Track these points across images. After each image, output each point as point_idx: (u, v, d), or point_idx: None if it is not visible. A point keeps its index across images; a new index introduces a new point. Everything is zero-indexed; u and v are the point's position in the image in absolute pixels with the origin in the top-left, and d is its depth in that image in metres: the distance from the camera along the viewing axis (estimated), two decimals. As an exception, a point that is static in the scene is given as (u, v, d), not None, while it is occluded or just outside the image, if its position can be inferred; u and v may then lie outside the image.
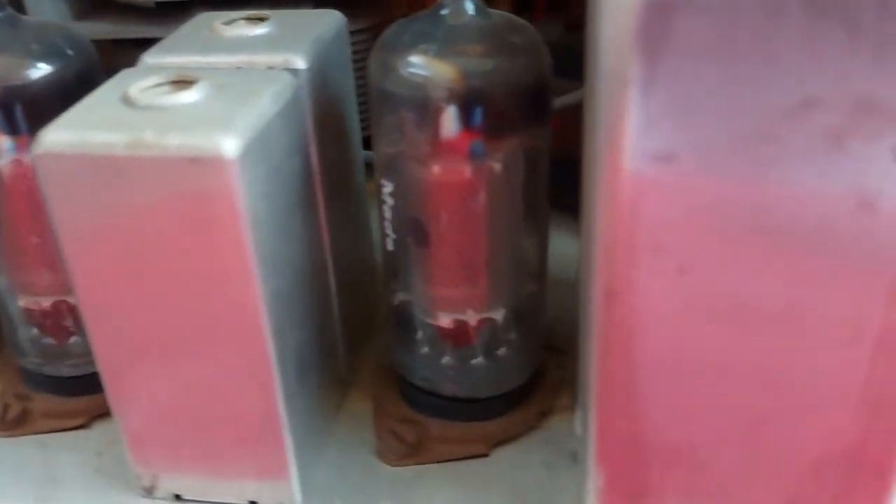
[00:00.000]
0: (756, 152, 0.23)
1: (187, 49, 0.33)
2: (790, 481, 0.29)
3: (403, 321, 0.34)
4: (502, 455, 0.35)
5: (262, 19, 0.35)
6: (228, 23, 0.34)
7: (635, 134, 0.23)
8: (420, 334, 0.34)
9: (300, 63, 0.31)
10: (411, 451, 0.34)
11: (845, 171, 0.23)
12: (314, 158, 0.33)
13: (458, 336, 0.33)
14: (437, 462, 0.34)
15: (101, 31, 0.49)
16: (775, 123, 0.22)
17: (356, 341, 0.39)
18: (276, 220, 0.29)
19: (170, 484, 0.33)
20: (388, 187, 0.31)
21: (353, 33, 0.37)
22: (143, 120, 0.27)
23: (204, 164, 0.26)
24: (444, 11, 0.30)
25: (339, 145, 0.36)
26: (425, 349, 0.34)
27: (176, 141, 0.26)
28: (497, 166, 0.30)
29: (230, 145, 0.26)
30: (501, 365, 0.34)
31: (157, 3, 0.47)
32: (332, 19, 0.36)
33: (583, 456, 0.30)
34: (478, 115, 0.29)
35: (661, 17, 0.22)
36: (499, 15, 0.30)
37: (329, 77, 0.34)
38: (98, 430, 0.37)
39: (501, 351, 0.34)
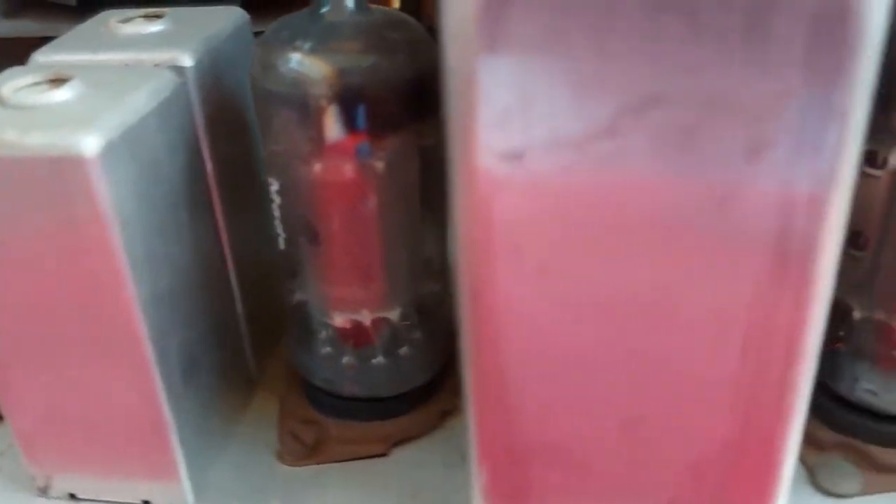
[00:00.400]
0: (602, 149, 0.22)
1: (79, 47, 0.33)
2: (671, 481, 0.28)
3: (302, 321, 0.34)
4: (402, 455, 0.35)
5: (159, 17, 0.34)
6: (125, 20, 0.34)
7: (483, 132, 0.23)
8: (318, 334, 0.34)
9: (187, 60, 0.31)
10: (310, 452, 0.34)
11: (700, 168, 0.22)
12: (206, 156, 0.32)
13: (356, 336, 0.33)
14: (337, 462, 0.34)
15: (28, 29, 0.48)
16: (619, 120, 0.22)
17: (266, 340, 0.39)
18: (152, 220, 0.29)
19: (64, 483, 0.33)
20: (274, 186, 0.31)
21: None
22: (9, 119, 0.27)
23: (64, 164, 0.26)
24: (324, 9, 0.29)
25: (239, 143, 0.35)
26: (325, 349, 0.34)
27: (37, 140, 0.26)
28: (381, 164, 0.30)
29: (91, 144, 0.26)
30: (402, 364, 0.34)
31: (79, 2, 0.46)
32: (231, 16, 0.35)
33: (469, 455, 0.30)
34: (358, 113, 0.29)
35: (499, 12, 0.21)
36: (380, 11, 0.30)
37: (224, 74, 0.34)
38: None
39: (403, 350, 0.34)
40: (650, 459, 0.28)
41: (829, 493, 0.32)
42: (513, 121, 0.22)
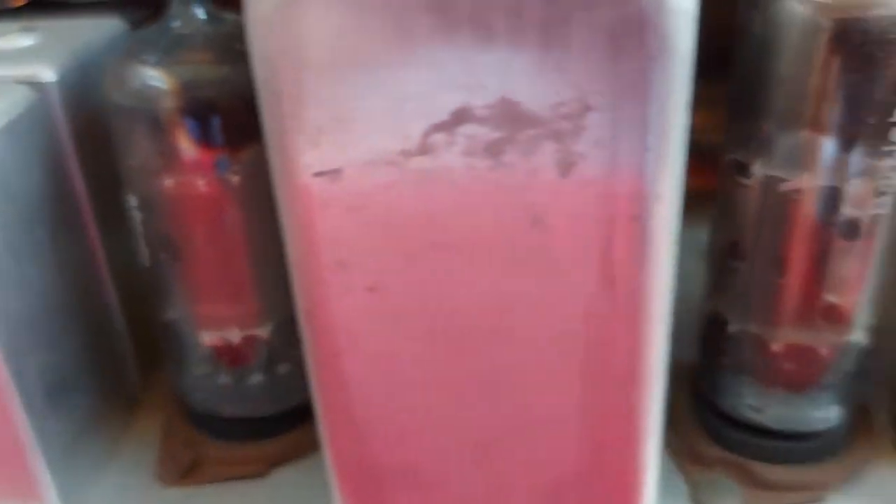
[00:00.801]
0: (418, 166, 0.22)
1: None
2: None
3: (174, 340, 0.33)
4: (282, 475, 0.34)
5: (33, 30, 0.34)
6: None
7: (298, 150, 0.22)
8: (192, 354, 0.33)
9: (49, 75, 0.31)
10: (187, 473, 0.34)
11: (514, 184, 0.22)
12: (74, 173, 0.32)
13: (228, 354, 0.32)
14: (214, 482, 0.34)
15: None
16: (431, 137, 0.21)
17: (152, 359, 0.38)
18: (1, 241, 0.28)
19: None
20: (133, 202, 0.30)
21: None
22: None
23: None
24: (173, 22, 0.29)
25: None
26: (200, 369, 0.33)
27: None
28: (238, 178, 0.29)
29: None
30: (281, 383, 0.33)
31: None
32: (107, 28, 0.35)
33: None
34: (211, 126, 0.28)
35: (294, 26, 0.21)
36: (233, 21, 0.29)
37: (98, 88, 0.33)
38: None
39: (281, 368, 0.33)
40: (506, 483, 0.27)
41: (706, 511, 0.31)
42: (327, 138, 0.22)
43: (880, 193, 0.27)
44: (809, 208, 0.27)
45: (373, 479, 0.28)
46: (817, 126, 0.26)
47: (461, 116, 0.21)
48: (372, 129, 0.21)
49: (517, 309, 0.24)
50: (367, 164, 0.22)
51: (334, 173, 0.22)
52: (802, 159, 0.26)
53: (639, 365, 0.24)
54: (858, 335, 0.29)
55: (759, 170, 0.27)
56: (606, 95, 0.20)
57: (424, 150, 0.22)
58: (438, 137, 0.21)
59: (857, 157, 0.26)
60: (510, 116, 0.21)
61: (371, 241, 0.23)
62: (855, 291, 0.29)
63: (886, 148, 0.26)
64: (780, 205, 0.27)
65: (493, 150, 0.21)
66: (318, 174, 0.22)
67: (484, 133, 0.21)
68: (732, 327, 0.30)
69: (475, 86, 0.21)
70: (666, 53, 0.20)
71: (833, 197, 0.27)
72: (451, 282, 0.23)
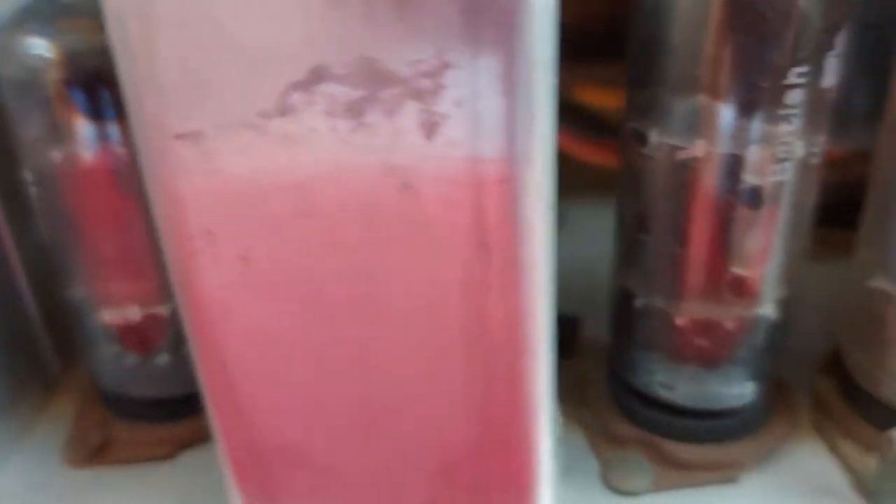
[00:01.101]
0: (279, 129, 0.21)
1: None
2: (422, 484, 0.27)
3: (79, 320, 0.32)
4: (190, 458, 0.33)
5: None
6: None
7: (155, 112, 0.21)
8: (97, 333, 0.32)
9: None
10: (96, 454, 0.33)
11: (378, 146, 0.21)
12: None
13: (130, 333, 0.32)
14: (122, 464, 0.33)
15: None
16: (290, 97, 0.21)
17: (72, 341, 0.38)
18: None
19: None
20: (28, 176, 0.30)
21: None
22: None
23: None
24: (61, -10, 0.28)
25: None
26: (106, 349, 0.32)
27: None
28: (126, 150, 0.28)
29: None
30: (187, 364, 0.33)
31: None
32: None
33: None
34: (98, 97, 0.27)
35: None
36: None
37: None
38: None
39: (187, 349, 0.33)
40: (396, 461, 0.26)
41: (616, 490, 0.30)
42: (184, 99, 0.21)
43: (780, 160, 0.26)
44: (709, 177, 0.26)
45: (261, 459, 0.27)
46: (711, 91, 0.25)
47: (319, 74, 0.20)
48: (229, 90, 0.21)
49: (391, 278, 0.23)
50: (227, 127, 0.21)
51: (194, 136, 0.21)
52: (698, 126, 0.26)
53: (520, 334, 0.24)
54: (767, 308, 0.29)
55: (655, 138, 0.27)
56: (464, 52, 0.20)
57: (283, 110, 0.21)
58: (297, 97, 0.21)
59: (753, 123, 0.25)
60: (369, 74, 0.20)
61: (238, 208, 0.22)
62: (761, 263, 0.28)
63: (782, 112, 0.25)
64: (680, 174, 0.27)
65: (354, 109, 0.21)
66: (179, 137, 0.22)
67: (344, 92, 0.20)
68: (639, 302, 0.29)
69: (332, 42, 0.20)
70: (524, 6, 0.19)
71: (732, 164, 0.26)
72: (322, 251, 0.23)
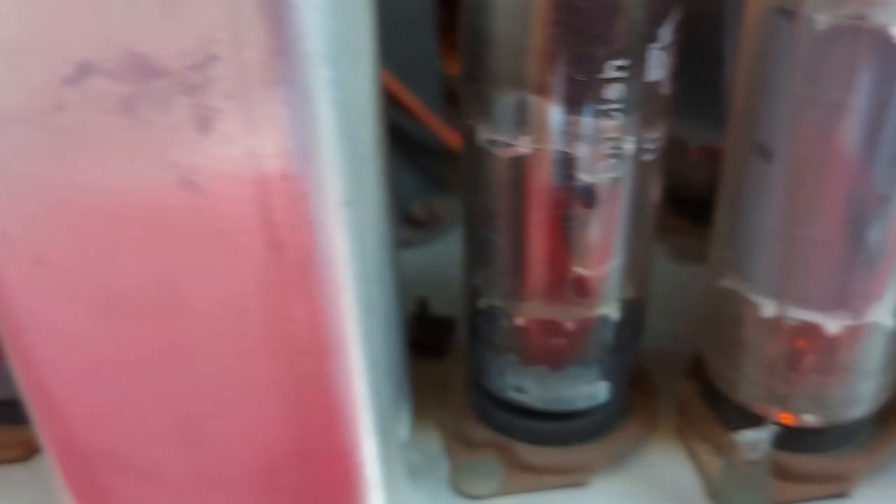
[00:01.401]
0: (55, 125, 0.20)
1: None
2: (246, 490, 0.26)
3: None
4: (45, 460, 0.33)
5: None
6: None
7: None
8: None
9: None
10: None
11: (153, 144, 0.20)
12: None
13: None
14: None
15: None
16: (62, 92, 0.20)
17: None
18: None
19: None
20: None
21: None
22: None
23: None
24: None
25: None
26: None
27: None
28: None
29: None
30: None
31: None
32: None
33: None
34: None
35: None
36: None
37: None
38: None
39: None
40: (217, 466, 0.26)
41: (463, 495, 0.29)
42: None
43: (609, 156, 0.25)
44: (541, 175, 0.26)
45: (87, 464, 0.26)
46: (532, 86, 0.24)
47: (86, 69, 0.20)
48: (1, 85, 0.20)
49: (185, 280, 0.22)
50: (4, 123, 0.21)
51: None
52: (523, 122, 0.25)
53: (325, 335, 0.23)
54: (611, 308, 0.28)
55: (484, 134, 0.26)
56: (230, 43, 0.19)
57: (56, 106, 0.20)
58: (69, 93, 0.20)
59: (578, 119, 0.25)
60: (136, 68, 0.20)
61: (27, 208, 0.22)
62: (601, 263, 0.27)
63: (603, 107, 0.24)
64: (512, 171, 0.26)
65: (126, 104, 0.20)
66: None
67: (113, 87, 0.20)
68: (482, 302, 0.29)
69: (97, 36, 0.19)
70: (290, 5, 0.19)
71: (563, 162, 0.25)
72: (114, 253, 0.22)
